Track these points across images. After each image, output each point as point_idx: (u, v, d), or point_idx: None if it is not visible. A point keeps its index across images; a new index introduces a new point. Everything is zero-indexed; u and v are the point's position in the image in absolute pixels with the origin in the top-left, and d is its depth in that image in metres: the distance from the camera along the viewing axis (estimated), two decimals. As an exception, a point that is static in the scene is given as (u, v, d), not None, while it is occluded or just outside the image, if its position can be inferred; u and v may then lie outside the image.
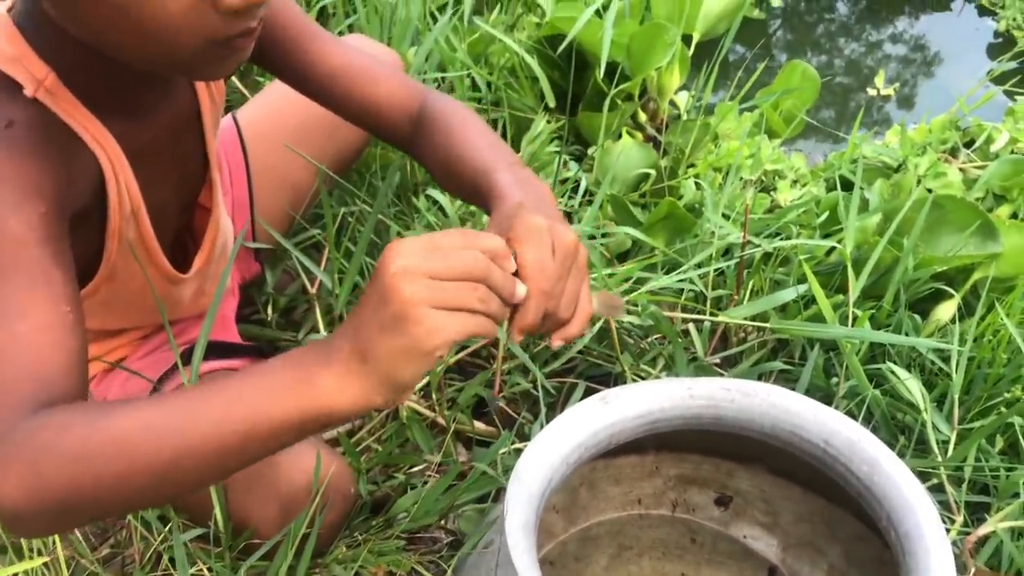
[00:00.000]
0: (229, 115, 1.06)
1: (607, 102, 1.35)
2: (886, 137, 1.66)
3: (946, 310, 1.13)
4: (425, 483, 0.94)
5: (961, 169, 1.54)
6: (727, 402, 0.77)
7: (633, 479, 0.90)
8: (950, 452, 0.95)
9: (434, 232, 0.53)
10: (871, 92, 2.07)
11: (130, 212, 0.73)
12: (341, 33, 1.42)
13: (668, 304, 1.10)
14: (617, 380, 1.07)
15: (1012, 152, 1.56)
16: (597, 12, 1.40)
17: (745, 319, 1.06)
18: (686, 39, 1.62)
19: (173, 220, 0.85)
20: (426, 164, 0.83)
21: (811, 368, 1.04)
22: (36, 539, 0.79)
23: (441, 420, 0.99)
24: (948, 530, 0.89)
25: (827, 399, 1.03)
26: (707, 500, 0.90)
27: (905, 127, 1.60)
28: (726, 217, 1.25)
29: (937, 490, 0.94)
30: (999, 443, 0.98)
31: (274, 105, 1.08)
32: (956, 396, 0.98)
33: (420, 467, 0.96)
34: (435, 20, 1.46)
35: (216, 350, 0.91)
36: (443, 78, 1.38)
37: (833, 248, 1.19)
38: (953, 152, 1.61)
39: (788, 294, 1.05)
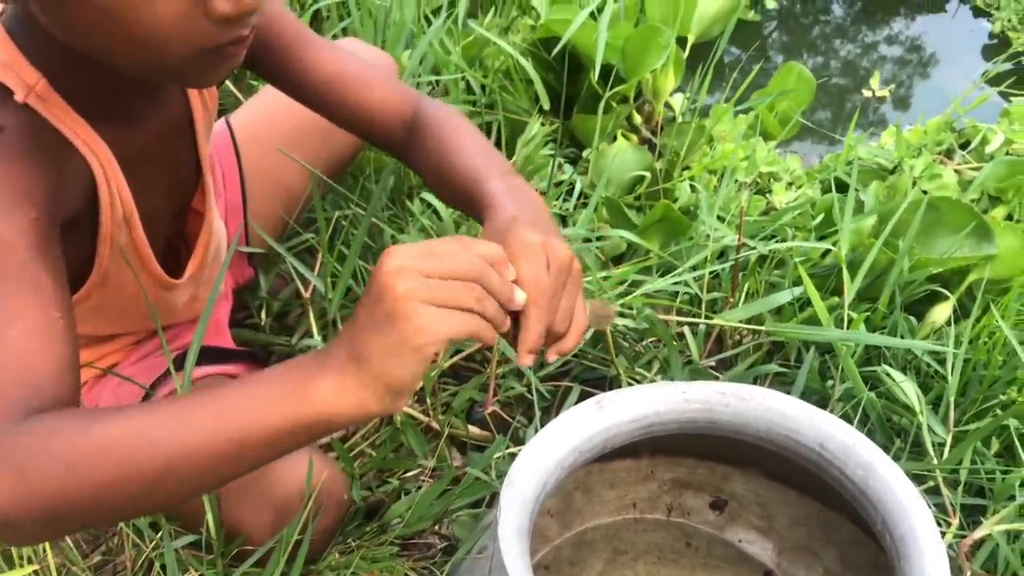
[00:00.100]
0: (222, 119, 1.06)
1: (602, 104, 1.35)
2: (881, 139, 1.66)
3: (941, 312, 1.13)
4: (419, 488, 0.94)
5: (956, 171, 1.54)
6: (722, 406, 0.76)
7: (628, 483, 0.89)
8: (946, 455, 0.95)
9: (432, 239, 0.53)
10: (866, 94, 2.07)
11: (122, 218, 0.72)
12: (335, 36, 1.42)
13: (663, 307, 1.10)
14: (612, 383, 1.07)
15: (1007, 153, 1.56)
16: (592, 14, 1.40)
17: (740, 322, 1.06)
18: (681, 41, 1.62)
19: (166, 225, 0.84)
20: (419, 171, 0.83)
21: (806, 371, 1.04)
22: (26, 547, 0.78)
23: (435, 425, 0.99)
24: (944, 533, 0.89)
25: (823, 402, 1.03)
26: (702, 504, 0.90)
27: (900, 129, 1.60)
28: (721, 219, 1.25)
29: (933, 493, 0.94)
30: (995, 445, 0.98)
31: (268, 109, 1.08)
32: (952, 398, 0.98)
33: (414, 472, 0.96)
34: (429, 23, 1.46)
35: (209, 355, 0.90)
36: (437, 81, 1.38)
37: (828, 250, 1.18)
38: (948, 154, 1.61)
39: (783, 297, 1.05)
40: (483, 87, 1.41)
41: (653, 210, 1.21)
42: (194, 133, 0.82)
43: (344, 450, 0.90)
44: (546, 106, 1.40)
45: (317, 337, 1.00)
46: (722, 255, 1.19)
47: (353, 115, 0.83)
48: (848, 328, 1.03)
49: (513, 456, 0.94)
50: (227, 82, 1.38)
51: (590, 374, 1.09)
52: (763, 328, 1.05)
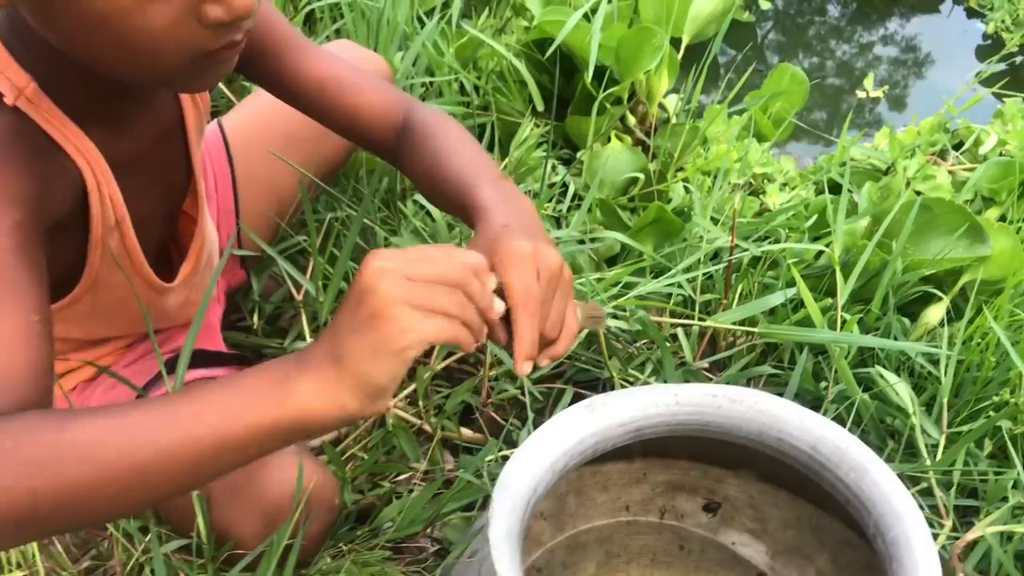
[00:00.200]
0: (215, 121, 1.05)
1: (596, 106, 1.35)
2: (875, 139, 1.66)
3: (935, 313, 1.13)
4: (411, 491, 0.93)
5: (950, 171, 1.54)
6: (713, 408, 0.76)
7: (621, 486, 0.89)
8: (939, 456, 0.95)
9: (418, 246, 0.53)
10: (860, 94, 2.07)
11: (113, 222, 0.72)
12: (328, 38, 1.41)
13: (656, 309, 1.10)
14: (605, 385, 1.07)
15: (1000, 154, 1.56)
16: (585, 16, 1.40)
17: (734, 324, 1.06)
18: (675, 42, 1.61)
19: (158, 229, 0.84)
20: (410, 176, 0.83)
21: (800, 372, 1.04)
22: (10, 550, 0.78)
23: (427, 427, 0.98)
24: (937, 535, 0.89)
25: (816, 403, 1.03)
26: (695, 506, 0.89)
27: (894, 129, 1.60)
28: (715, 221, 1.25)
29: (926, 494, 0.94)
30: (988, 447, 0.98)
31: (260, 111, 1.07)
32: (945, 400, 0.98)
33: (406, 475, 0.96)
34: (423, 24, 1.46)
35: (201, 359, 0.90)
36: (431, 83, 1.38)
37: (822, 252, 1.18)
38: (942, 154, 1.61)
39: (776, 298, 1.05)
40: (477, 88, 1.41)
41: (647, 212, 1.21)
42: (186, 136, 0.81)
43: (335, 453, 0.89)
44: (540, 107, 1.40)
45: (309, 340, 1.00)
46: (715, 256, 1.19)
47: (344, 119, 0.83)
48: (841, 329, 1.03)
49: (506, 459, 0.94)
50: (219, 84, 1.37)
51: (583, 376, 1.08)
52: (756, 330, 1.05)
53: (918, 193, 1.40)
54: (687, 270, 1.09)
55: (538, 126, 1.41)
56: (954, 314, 1.15)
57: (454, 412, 1.00)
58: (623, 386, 1.04)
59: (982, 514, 0.92)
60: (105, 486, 0.50)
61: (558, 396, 1.05)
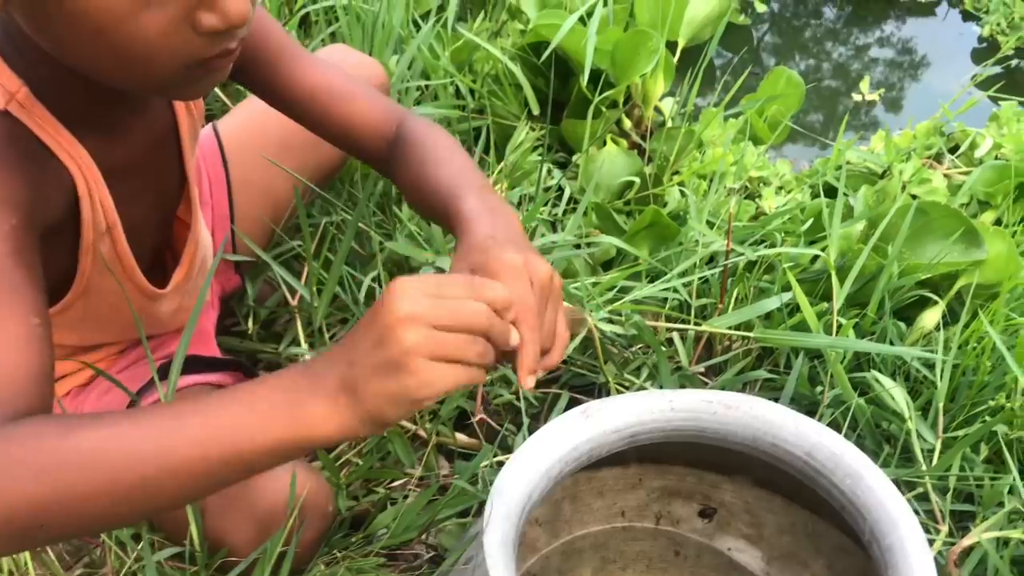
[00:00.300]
0: (210, 125, 1.05)
1: (591, 109, 1.35)
2: (871, 143, 1.66)
3: (931, 317, 1.13)
4: (406, 497, 0.93)
5: (946, 175, 1.54)
6: (708, 415, 0.76)
7: (616, 491, 0.89)
8: (935, 461, 0.95)
9: (441, 276, 0.54)
10: (856, 97, 2.07)
11: (105, 228, 0.72)
12: (323, 42, 1.41)
13: (652, 313, 1.09)
14: (601, 390, 1.06)
15: (996, 158, 1.56)
16: (581, 19, 1.39)
17: (729, 328, 1.06)
18: (671, 45, 1.61)
19: (151, 235, 0.84)
20: (399, 185, 0.83)
21: (796, 377, 1.03)
22: (5, 557, 0.77)
23: (422, 433, 0.98)
24: (933, 540, 0.89)
25: (812, 407, 1.03)
26: (691, 512, 0.89)
27: (890, 133, 1.60)
28: (710, 225, 1.24)
29: (922, 499, 0.93)
30: (983, 451, 0.98)
31: (255, 115, 1.07)
32: (941, 404, 0.97)
33: (401, 481, 0.95)
34: (418, 28, 1.46)
35: (195, 364, 0.89)
36: (426, 86, 1.38)
37: (817, 256, 1.18)
38: (938, 158, 1.61)
39: (772, 303, 1.05)
40: (472, 92, 1.41)
41: (642, 215, 1.20)
42: (179, 142, 0.81)
43: (330, 460, 0.89)
44: (535, 111, 1.40)
45: (304, 345, 1.00)
46: (711, 261, 1.18)
47: (337, 129, 0.83)
48: (837, 334, 1.03)
49: (501, 464, 0.93)
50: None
51: (579, 381, 1.08)
52: (752, 334, 1.04)
53: (914, 197, 1.40)
54: (683, 274, 1.09)
55: (533, 129, 1.41)
56: (950, 318, 1.15)
57: (449, 417, 1.00)
58: (619, 391, 1.04)
59: (978, 519, 0.91)
60: (107, 495, 0.50)
61: (553, 401, 1.05)
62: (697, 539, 0.89)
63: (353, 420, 0.51)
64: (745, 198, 1.46)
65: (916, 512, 0.89)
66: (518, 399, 1.01)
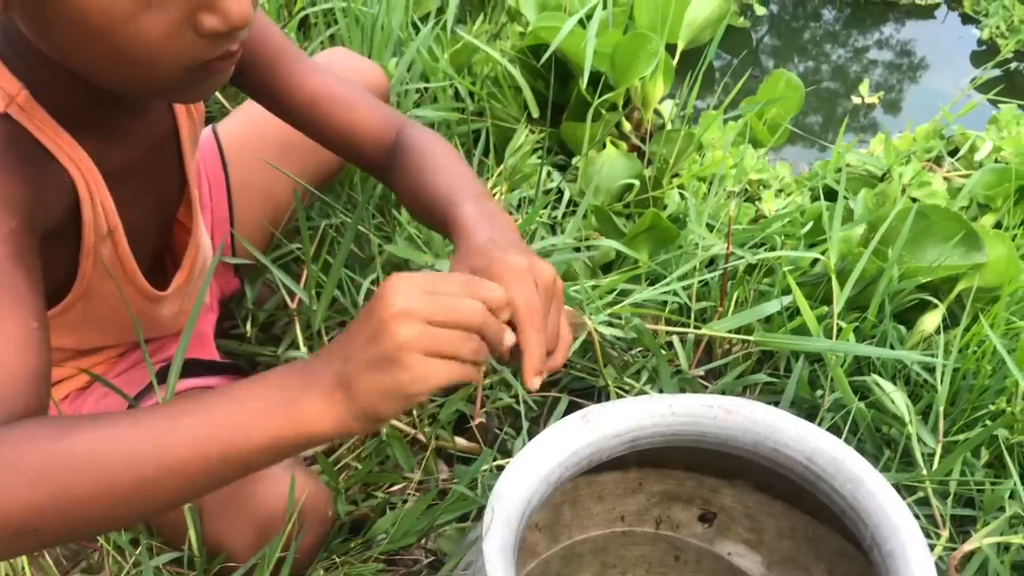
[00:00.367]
0: (209, 127, 1.05)
1: (591, 112, 1.34)
2: (871, 145, 1.66)
3: (931, 321, 1.13)
4: (405, 502, 0.93)
5: (946, 178, 1.54)
6: (709, 419, 0.76)
7: (616, 496, 0.89)
8: (935, 465, 0.94)
9: (437, 273, 0.54)
10: (856, 100, 2.07)
11: (106, 231, 0.72)
12: (323, 44, 1.41)
13: (652, 317, 1.09)
14: (600, 394, 1.06)
15: (996, 161, 1.56)
16: (580, 22, 1.39)
17: (729, 331, 1.06)
18: (670, 48, 1.61)
19: (151, 238, 0.84)
20: (397, 192, 0.83)
21: (796, 381, 1.03)
22: (2, 562, 0.77)
23: (422, 437, 0.98)
24: (934, 545, 0.89)
25: (812, 411, 1.03)
26: (691, 517, 0.89)
27: (890, 135, 1.60)
28: (710, 228, 1.24)
29: (923, 503, 0.93)
30: (984, 456, 0.98)
31: (255, 118, 1.07)
32: (941, 408, 0.97)
33: (400, 485, 0.95)
34: (417, 30, 1.45)
35: (194, 368, 0.89)
36: (426, 88, 1.37)
37: (817, 259, 1.18)
38: (937, 161, 1.61)
39: (772, 306, 1.05)
40: (472, 94, 1.41)
41: (642, 218, 1.20)
42: (179, 145, 0.81)
43: (328, 464, 0.89)
44: (535, 113, 1.40)
45: (303, 348, 0.99)
46: (711, 264, 1.18)
47: (336, 136, 0.83)
48: (837, 337, 1.02)
49: (501, 468, 0.93)
50: (213, 90, 1.36)
51: (578, 384, 1.08)
52: (752, 338, 1.04)
53: (914, 200, 1.40)
54: (682, 277, 1.09)
55: (533, 132, 1.40)
56: (950, 322, 1.14)
57: (448, 421, 0.99)
58: (618, 394, 1.04)
59: (979, 524, 0.91)
60: (105, 497, 0.49)
61: (553, 405, 1.05)
62: (697, 544, 0.89)
63: (348, 416, 0.51)
64: (745, 201, 1.46)
65: (917, 517, 0.89)
66: (517, 403, 1.01)
